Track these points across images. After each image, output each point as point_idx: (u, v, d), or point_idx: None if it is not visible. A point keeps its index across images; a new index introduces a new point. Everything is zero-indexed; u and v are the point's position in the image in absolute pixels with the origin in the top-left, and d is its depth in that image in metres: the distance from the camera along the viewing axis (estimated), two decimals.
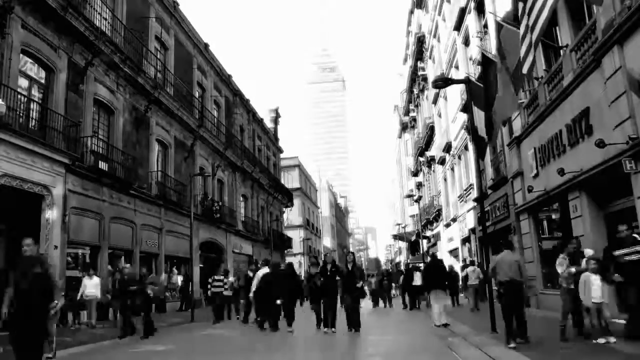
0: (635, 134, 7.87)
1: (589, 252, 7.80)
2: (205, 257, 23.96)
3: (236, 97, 31.09)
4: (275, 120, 43.53)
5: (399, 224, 58.01)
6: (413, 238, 43.97)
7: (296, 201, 47.97)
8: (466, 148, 21.57)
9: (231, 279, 15.56)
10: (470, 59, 19.35)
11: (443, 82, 11.11)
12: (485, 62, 12.37)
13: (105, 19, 16.20)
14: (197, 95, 24.66)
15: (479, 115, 11.78)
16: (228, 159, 27.43)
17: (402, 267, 28.43)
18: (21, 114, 12.22)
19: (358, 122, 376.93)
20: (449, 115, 25.39)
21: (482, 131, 11.53)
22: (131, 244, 17.31)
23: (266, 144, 38.91)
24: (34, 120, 12.79)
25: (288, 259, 43.02)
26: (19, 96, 12.11)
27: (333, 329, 10.19)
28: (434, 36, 28.39)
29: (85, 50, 14.80)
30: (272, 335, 10.49)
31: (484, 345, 7.35)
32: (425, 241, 36.83)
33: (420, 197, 40.22)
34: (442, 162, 28.46)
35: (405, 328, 11.53)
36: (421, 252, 34.09)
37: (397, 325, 11.91)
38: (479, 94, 11.94)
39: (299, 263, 48.64)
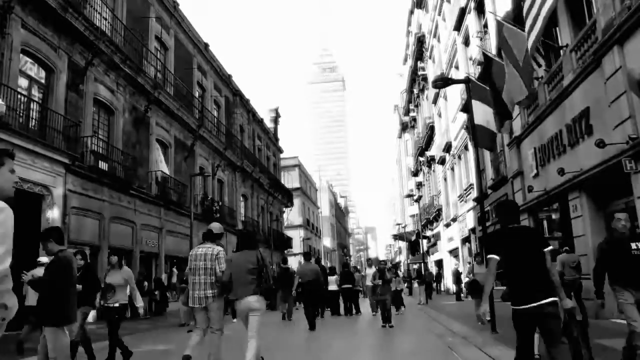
0: (635, 133, 7.87)
1: None
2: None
3: (236, 97, 31.09)
4: (275, 120, 43.55)
5: (399, 224, 58.06)
6: (413, 238, 44.00)
7: (296, 201, 47.96)
8: (466, 148, 21.58)
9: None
10: (470, 59, 19.36)
11: (443, 82, 11.12)
12: (486, 61, 12.39)
13: (105, 19, 16.21)
14: (197, 95, 24.66)
15: (481, 111, 11.79)
16: (228, 159, 27.44)
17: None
18: (21, 114, 12.23)
19: (358, 122, 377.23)
20: (449, 115, 25.40)
21: (489, 123, 11.56)
22: (131, 244, 17.32)
23: (266, 144, 38.91)
24: (34, 120, 12.80)
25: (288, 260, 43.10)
26: (19, 96, 12.11)
27: None
28: (434, 36, 28.39)
29: (85, 50, 14.81)
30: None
31: (484, 345, 7.35)
32: (425, 241, 36.85)
33: (420, 197, 40.24)
34: (442, 162, 28.46)
35: (405, 327, 11.53)
36: (421, 252, 34.12)
37: (397, 325, 11.89)
38: (480, 91, 11.97)
39: (298, 263, 48.58)
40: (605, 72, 8.76)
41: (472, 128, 11.10)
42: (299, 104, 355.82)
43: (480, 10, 17.96)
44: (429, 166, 34.69)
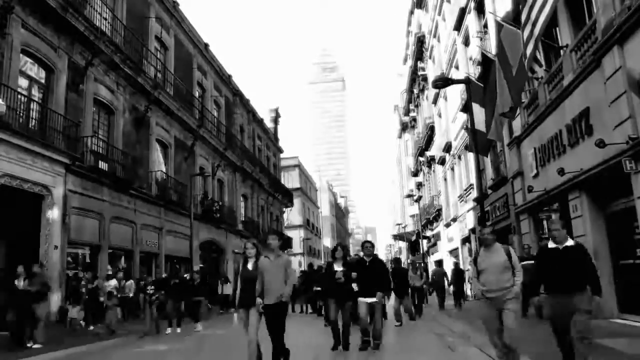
0: (635, 134, 7.86)
1: None
2: (205, 257, 23.98)
3: (236, 97, 31.10)
4: (275, 120, 43.53)
5: (399, 224, 58.06)
6: (413, 238, 43.98)
7: (296, 201, 47.94)
8: (466, 148, 21.56)
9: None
10: (471, 59, 19.35)
11: (443, 82, 11.14)
12: (485, 61, 12.41)
13: (105, 19, 16.21)
14: (197, 95, 24.66)
15: (479, 114, 11.85)
16: (228, 159, 27.44)
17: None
18: (21, 114, 12.23)
19: (358, 122, 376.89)
20: (449, 115, 25.39)
21: (485, 129, 11.63)
22: (131, 244, 17.31)
23: (266, 144, 38.90)
24: (34, 120, 12.80)
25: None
26: (19, 96, 12.11)
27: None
28: (434, 36, 28.39)
29: (86, 50, 14.81)
30: None
31: (484, 346, 7.35)
32: (425, 241, 36.84)
33: (420, 197, 40.25)
34: (442, 162, 28.45)
35: (405, 327, 11.52)
36: (421, 252, 34.12)
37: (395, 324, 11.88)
38: (479, 92, 12.00)
39: (298, 263, 48.67)
40: (605, 72, 8.75)
41: (472, 133, 11.12)
42: (299, 104, 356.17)
43: (480, 10, 17.95)
44: (429, 166, 34.68)
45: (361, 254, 8.34)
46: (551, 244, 5.14)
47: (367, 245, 8.04)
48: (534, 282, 5.26)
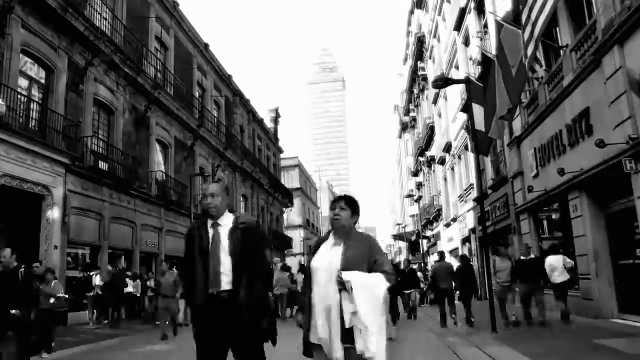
0: (635, 133, 7.86)
1: None
2: None
3: (236, 97, 31.09)
4: (275, 120, 43.51)
5: (399, 224, 58.03)
6: (413, 238, 44.00)
7: (296, 201, 47.92)
8: (466, 148, 21.56)
9: None
10: (470, 59, 19.35)
11: (443, 82, 11.13)
12: (485, 61, 12.41)
13: (105, 19, 16.21)
14: (197, 95, 24.66)
15: (480, 114, 11.84)
16: (228, 159, 27.45)
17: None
18: (21, 114, 12.24)
19: (358, 122, 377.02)
20: (448, 115, 25.39)
21: (483, 127, 11.64)
22: (131, 244, 17.32)
23: (266, 144, 38.90)
24: (34, 120, 12.81)
25: (288, 260, 43.12)
26: (19, 96, 12.12)
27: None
28: (434, 36, 28.39)
29: (85, 50, 14.81)
30: None
31: (483, 345, 7.36)
32: (425, 241, 36.85)
33: (420, 197, 40.24)
34: (442, 162, 28.45)
35: (405, 327, 11.53)
36: (421, 251, 34.11)
37: (397, 324, 11.87)
38: (479, 92, 12.00)
39: (299, 263, 48.58)
40: (605, 72, 8.75)
41: (472, 134, 11.09)
42: (299, 104, 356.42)
43: (480, 10, 17.95)
44: (429, 166, 34.67)
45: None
46: (522, 257, 9.78)
47: (406, 261, 15.25)
48: (514, 277, 9.80)
